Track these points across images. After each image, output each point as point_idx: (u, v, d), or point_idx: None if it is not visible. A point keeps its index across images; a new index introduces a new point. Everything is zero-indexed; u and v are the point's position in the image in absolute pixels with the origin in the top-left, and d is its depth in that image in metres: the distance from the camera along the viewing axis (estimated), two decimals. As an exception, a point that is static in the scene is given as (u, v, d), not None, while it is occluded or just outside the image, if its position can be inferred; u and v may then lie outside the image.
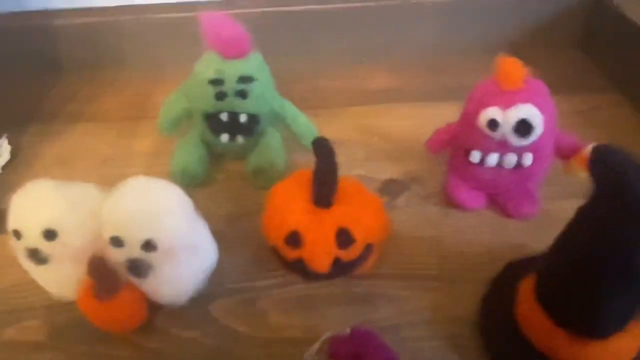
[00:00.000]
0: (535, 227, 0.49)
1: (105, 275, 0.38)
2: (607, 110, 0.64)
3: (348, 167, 0.56)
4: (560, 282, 0.34)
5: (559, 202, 0.51)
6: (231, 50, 0.48)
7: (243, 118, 0.51)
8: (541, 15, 0.75)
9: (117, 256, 0.38)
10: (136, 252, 0.37)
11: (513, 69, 0.44)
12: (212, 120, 0.51)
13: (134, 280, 0.39)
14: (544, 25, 0.75)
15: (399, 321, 0.42)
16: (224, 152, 0.55)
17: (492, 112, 0.44)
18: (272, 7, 0.69)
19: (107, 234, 0.37)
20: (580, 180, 0.48)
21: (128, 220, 0.37)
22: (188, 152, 0.52)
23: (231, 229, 0.49)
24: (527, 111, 0.44)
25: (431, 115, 0.63)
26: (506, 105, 0.44)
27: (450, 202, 0.51)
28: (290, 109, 0.54)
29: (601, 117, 0.63)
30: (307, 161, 0.54)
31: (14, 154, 0.59)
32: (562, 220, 0.49)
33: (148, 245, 0.37)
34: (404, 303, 0.43)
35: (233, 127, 0.52)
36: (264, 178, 0.52)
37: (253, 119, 0.52)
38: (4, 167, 0.57)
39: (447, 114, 0.59)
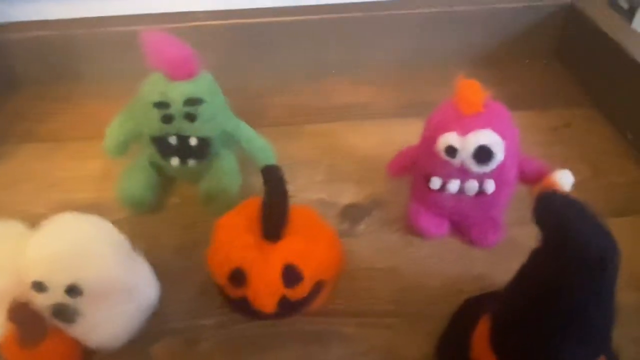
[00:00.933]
0: (498, 256, 0.47)
1: (29, 322, 0.35)
2: (580, 125, 0.62)
3: (308, 190, 0.54)
4: (513, 328, 0.32)
5: (524, 228, 0.48)
6: (177, 72, 0.45)
7: (193, 141, 0.48)
8: (517, 27, 0.72)
9: (40, 301, 0.35)
10: (60, 298, 0.34)
11: (472, 92, 0.42)
12: (160, 143, 0.49)
13: (61, 325, 0.36)
14: (520, 36, 0.73)
15: (351, 364, 0.39)
16: (177, 176, 0.53)
17: (449, 138, 0.42)
18: (230, 19, 0.66)
19: (29, 278, 0.35)
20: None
21: (50, 263, 0.34)
22: (135, 177, 0.49)
23: (179, 260, 0.47)
24: (487, 137, 0.41)
25: (399, 132, 0.60)
26: (464, 130, 0.42)
27: (412, 229, 0.48)
28: (245, 131, 0.51)
29: (574, 133, 0.61)
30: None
31: (-44, 178, 0.56)
32: (527, 248, 0.47)
33: (73, 290, 0.34)
34: (358, 343, 0.40)
35: (183, 150, 0.49)
36: (217, 205, 0.49)
37: (204, 142, 0.49)
38: (-57, 193, 0.54)
39: (416, 131, 0.57)
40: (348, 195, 0.53)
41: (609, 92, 0.63)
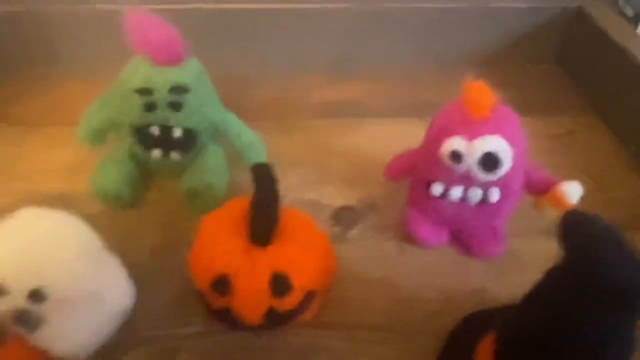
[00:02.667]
0: (498, 269, 0.44)
1: (-17, 328, 0.31)
2: (583, 134, 0.60)
3: (298, 189, 0.51)
4: (523, 353, 0.29)
5: (526, 240, 0.46)
6: (162, 56, 0.41)
7: (177, 132, 0.45)
8: (519, 29, 0.70)
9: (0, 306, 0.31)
10: (22, 303, 0.31)
11: (480, 95, 0.39)
12: (141, 134, 0.45)
13: (22, 333, 0.32)
14: (522, 39, 0.71)
15: (341, 381, 0.36)
16: (158, 170, 0.49)
17: (455, 142, 0.39)
18: (218, 3, 0.62)
19: (-14, 280, 0.31)
20: (550, 217, 0.44)
21: (11, 265, 0.30)
22: (111, 169, 0.45)
23: (155, 261, 0.43)
24: (495, 144, 0.38)
25: (396, 133, 0.58)
26: (471, 135, 0.39)
27: (409, 237, 0.45)
28: (234, 124, 0.48)
29: (577, 142, 0.59)
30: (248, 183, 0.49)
31: None
32: (527, 261, 0.45)
33: (36, 295, 0.31)
34: (347, 358, 0.38)
35: (166, 142, 0.45)
36: (200, 202, 0.45)
37: (189, 134, 0.45)
38: None
39: (415, 132, 0.54)
40: (341, 197, 0.50)
41: (613, 100, 0.61)
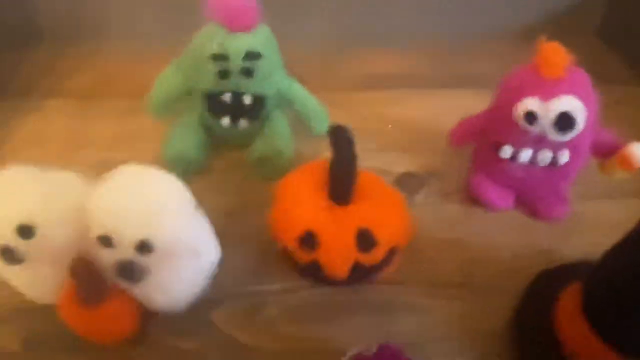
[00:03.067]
0: (564, 231, 0.45)
1: (91, 279, 0.33)
2: (630, 104, 0.61)
3: (360, 159, 0.51)
4: (612, 300, 0.30)
5: (588, 203, 0.47)
6: (238, 22, 0.42)
7: (247, 99, 0.46)
8: (560, 2, 0.70)
9: (105, 258, 0.32)
10: (129, 254, 0.32)
11: (555, 55, 0.40)
12: (212, 101, 0.46)
13: (125, 285, 0.34)
14: (561, 11, 0.71)
15: (424, 334, 0.37)
16: (224, 138, 0.50)
17: (530, 103, 0.40)
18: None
19: (95, 232, 0.32)
20: (615, 180, 0.45)
21: (121, 217, 0.31)
22: (184, 135, 0.46)
23: (232, 225, 0.44)
24: (570, 104, 0.39)
25: (446, 103, 0.59)
26: (547, 96, 0.39)
27: (474, 200, 0.46)
28: (300, 91, 0.49)
29: (625, 111, 0.60)
30: (315, 151, 0.50)
31: (-19, 131, 0.52)
32: (592, 224, 0.46)
33: (143, 247, 0.32)
34: (427, 314, 0.39)
35: (236, 109, 0.46)
36: (270, 168, 0.46)
37: (258, 100, 0.46)
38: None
39: (462, 102, 0.55)
40: (402, 164, 0.51)
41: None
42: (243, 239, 0.43)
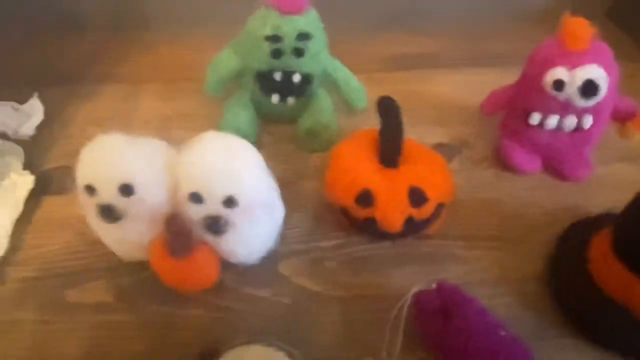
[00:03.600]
0: (588, 190, 0.50)
1: (183, 233, 0.37)
2: (641, 78, 0.65)
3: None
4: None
5: (609, 165, 0.52)
6: (291, 5, 0.46)
7: (296, 78, 0.50)
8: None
9: (195, 213, 0.37)
10: (217, 209, 0.36)
11: (580, 28, 0.44)
12: (264, 79, 0.50)
13: (210, 238, 0.38)
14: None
15: (469, 280, 0.42)
16: (271, 114, 0.54)
17: (558, 72, 0.44)
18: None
19: (186, 190, 0.36)
20: (633, 144, 0.50)
21: (210, 176, 0.36)
22: (239, 112, 0.51)
23: (287, 192, 0.48)
24: (594, 72, 0.44)
25: (469, 81, 0.64)
26: (573, 65, 0.44)
27: (504, 165, 0.51)
28: (342, 70, 0.53)
29: (637, 85, 0.64)
30: (354, 124, 0.54)
31: (45, 114, 0.56)
32: (613, 183, 0.51)
33: (230, 202, 0.36)
34: (470, 262, 0.43)
35: (285, 87, 0.50)
36: (317, 141, 0.51)
37: (306, 78, 0.50)
38: (38, 127, 0.54)
39: (485, 79, 0.59)
40: (434, 136, 0.55)
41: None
42: (299, 203, 0.47)
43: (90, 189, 0.36)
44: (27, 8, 0.65)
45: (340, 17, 0.71)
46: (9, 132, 0.53)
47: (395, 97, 0.60)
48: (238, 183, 0.36)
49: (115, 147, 0.36)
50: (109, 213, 0.36)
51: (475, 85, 0.62)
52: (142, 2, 0.68)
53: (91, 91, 0.60)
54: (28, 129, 0.53)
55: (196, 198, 0.36)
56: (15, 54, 0.64)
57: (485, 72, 0.64)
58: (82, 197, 0.37)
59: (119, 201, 0.36)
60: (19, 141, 0.52)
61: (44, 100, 0.57)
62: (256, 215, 0.38)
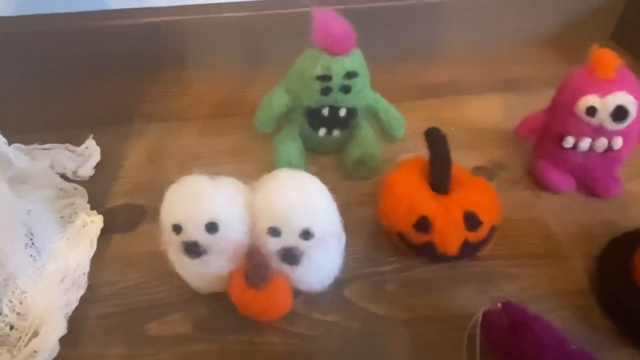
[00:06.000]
0: (621, 206, 0.53)
1: (262, 265, 0.40)
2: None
3: (433, 157, 0.60)
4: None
5: (635, 181, 0.55)
6: (340, 47, 0.50)
7: (343, 112, 0.53)
8: (577, 9, 0.79)
9: (272, 246, 0.39)
10: (293, 241, 0.39)
11: (609, 59, 0.48)
12: (313, 115, 0.53)
13: (284, 268, 0.40)
14: (580, 19, 0.80)
15: (524, 297, 0.45)
16: (315, 146, 0.57)
17: (591, 99, 0.48)
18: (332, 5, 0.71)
19: (265, 225, 0.39)
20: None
21: (287, 211, 0.38)
22: (290, 145, 0.54)
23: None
24: (624, 98, 0.47)
25: (494, 105, 0.68)
26: (604, 93, 0.48)
27: (541, 185, 0.54)
28: (382, 102, 0.56)
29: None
30: (392, 152, 0.57)
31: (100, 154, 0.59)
32: (640, 199, 0.54)
33: (306, 234, 0.39)
34: (522, 280, 0.46)
35: (332, 121, 0.54)
36: (365, 169, 0.54)
37: (351, 112, 0.54)
38: (95, 168, 0.57)
39: (509, 102, 0.63)
40: (470, 159, 0.59)
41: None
42: (353, 229, 0.50)
43: (177, 228, 0.39)
44: (68, 54, 0.69)
45: (365, 50, 0.76)
46: (68, 174, 0.56)
47: (426, 124, 0.64)
48: (313, 216, 0.39)
49: (200, 187, 0.39)
50: (194, 249, 0.39)
51: (501, 110, 0.66)
52: (180, 43, 0.71)
53: (140, 130, 0.63)
54: (87, 170, 0.56)
55: (274, 232, 0.39)
56: (64, 98, 0.68)
57: (508, 95, 0.68)
58: (167, 235, 0.40)
59: (204, 238, 0.39)
60: (78, 182, 0.55)
61: (97, 141, 0.60)
62: (328, 245, 0.41)
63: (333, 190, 0.56)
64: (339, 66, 0.50)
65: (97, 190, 0.54)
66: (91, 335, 0.42)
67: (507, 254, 0.48)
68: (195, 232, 0.38)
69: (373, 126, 0.58)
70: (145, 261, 0.47)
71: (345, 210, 0.52)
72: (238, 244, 0.40)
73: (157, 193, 0.40)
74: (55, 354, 0.39)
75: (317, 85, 0.51)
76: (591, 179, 0.53)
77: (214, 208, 0.38)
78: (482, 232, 0.45)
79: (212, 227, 0.38)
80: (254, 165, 0.57)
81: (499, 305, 0.39)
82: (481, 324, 0.39)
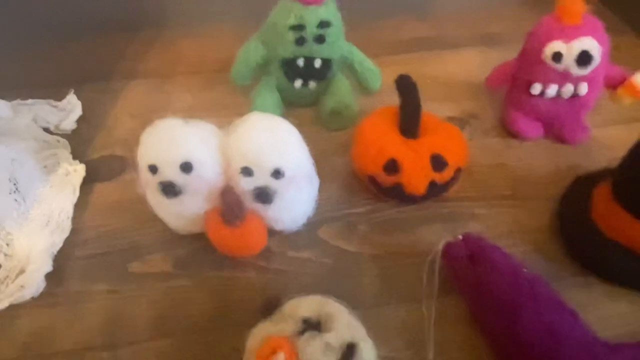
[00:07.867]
0: (586, 151, 0.55)
1: (236, 204, 0.42)
2: (627, 51, 0.70)
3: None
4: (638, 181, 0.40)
5: (604, 129, 0.57)
6: (313, -3, 0.51)
7: (317, 63, 0.54)
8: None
9: (245, 185, 0.41)
10: (265, 180, 0.41)
11: (574, 5, 0.49)
12: (288, 66, 0.54)
13: (259, 207, 0.42)
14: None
15: (487, 234, 0.46)
16: (293, 99, 0.58)
17: (557, 45, 0.49)
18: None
19: (238, 165, 0.41)
20: (624, 107, 0.55)
21: (259, 152, 0.40)
22: (269, 96, 0.55)
23: (316, 167, 0.53)
24: (588, 43, 0.49)
25: (473, 60, 0.69)
26: (569, 38, 0.49)
27: (510, 133, 0.56)
28: (357, 54, 0.57)
29: (623, 57, 0.69)
30: (368, 104, 0.58)
31: (82, 109, 0.60)
32: (608, 145, 0.56)
33: (277, 173, 0.41)
34: (487, 219, 0.48)
35: (308, 72, 0.55)
36: (340, 120, 0.56)
37: (326, 63, 0.55)
38: (77, 122, 0.58)
39: (487, 58, 0.64)
40: (444, 110, 0.60)
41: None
42: (329, 176, 0.52)
43: (153, 168, 0.40)
44: (50, 15, 0.69)
45: (346, 5, 0.76)
46: (51, 128, 0.57)
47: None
48: (283, 156, 0.41)
49: (174, 130, 0.41)
50: (170, 189, 0.41)
51: (478, 64, 0.67)
52: (159, 2, 0.72)
53: (121, 87, 0.64)
54: (68, 123, 0.57)
55: (247, 171, 0.41)
56: (48, 57, 0.68)
57: (486, 50, 0.69)
58: (144, 176, 0.41)
59: (179, 178, 0.40)
60: (61, 135, 0.56)
61: (79, 97, 0.61)
62: (299, 185, 0.43)
63: (310, 141, 0.57)
64: (312, 16, 0.51)
65: (79, 143, 0.56)
66: (76, 273, 0.44)
67: (473, 196, 0.50)
68: (170, 172, 0.40)
69: (350, 79, 0.60)
70: (128, 207, 0.49)
71: (321, 159, 0.54)
72: (213, 184, 0.41)
73: (137, 146, 0.42)
74: (41, 289, 0.42)
75: (291, 36, 0.52)
76: (559, 126, 0.55)
77: (188, 148, 0.40)
78: (448, 173, 0.47)
79: (186, 167, 0.40)
80: (233, 119, 0.58)
81: (460, 237, 0.41)
82: (443, 254, 0.41)
